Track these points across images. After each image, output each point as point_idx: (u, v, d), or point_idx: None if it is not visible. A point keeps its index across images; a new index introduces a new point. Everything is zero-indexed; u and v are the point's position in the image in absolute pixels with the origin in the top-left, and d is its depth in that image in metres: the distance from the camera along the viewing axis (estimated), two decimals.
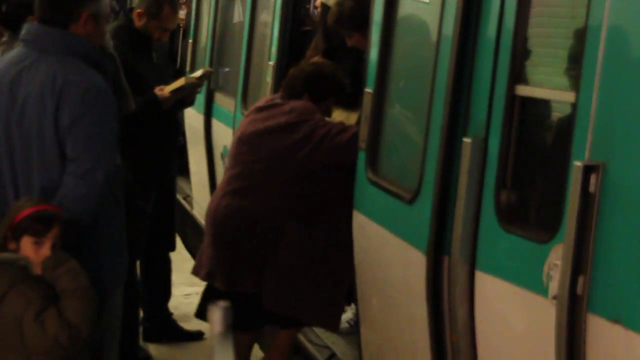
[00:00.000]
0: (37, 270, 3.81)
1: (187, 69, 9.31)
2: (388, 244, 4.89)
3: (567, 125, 3.52)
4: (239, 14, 8.60)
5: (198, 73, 6.90)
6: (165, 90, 6.41)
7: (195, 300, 7.82)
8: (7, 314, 3.71)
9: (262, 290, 5.49)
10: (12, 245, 3.85)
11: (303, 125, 5.46)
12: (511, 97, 3.85)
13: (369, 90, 5.21)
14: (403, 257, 4.68)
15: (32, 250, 3.84)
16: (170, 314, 7.86)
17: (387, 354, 5.24)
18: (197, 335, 7.77)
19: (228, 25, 9.24)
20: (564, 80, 3.69)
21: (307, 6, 7.38)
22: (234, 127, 7.98)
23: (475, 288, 4.06)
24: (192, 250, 9.51)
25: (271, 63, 7.16)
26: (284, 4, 7.01)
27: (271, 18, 7.24)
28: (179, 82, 6.61)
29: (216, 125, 8.75)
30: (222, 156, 8.47)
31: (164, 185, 6.92)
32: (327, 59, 6.29)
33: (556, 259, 3.27)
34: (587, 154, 3.16)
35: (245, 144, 5.68)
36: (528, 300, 3.59)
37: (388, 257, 4.94)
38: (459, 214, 4.08)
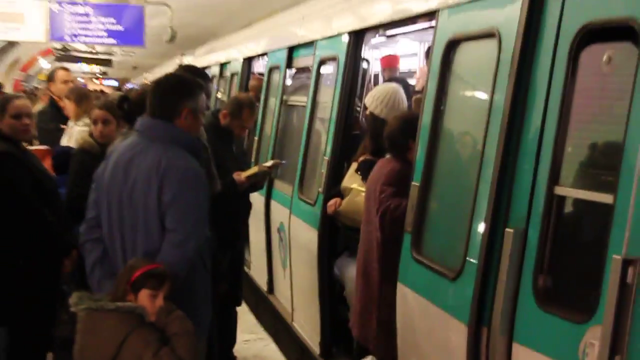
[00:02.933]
0: (152, 318, 3.91)
1: (252, 160, 9.42)
2: (430, 314, 4.77)
3: (602, 222, 3.40)
4: (298, 119, 8.68)
5: (269, 163, 7.11)
6: (242, 176, 6.50)
7: (253, 346, 8.56)
8: (129, 353, 3.79)
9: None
10: (130, 297, 3.95)
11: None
12: (550, 195, 3.81)
13: (415, 183, 5.17)
14: (445, 327, 4.58)
15: (149, 302, 3.94)
16: (235, 357, 7.79)
17: None
18: None
19: (287, 126, 9.25)
20: (602, 183, 3.65)
21: (357, 115, 7.40)
22: (290, 209, 8.05)
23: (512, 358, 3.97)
24: (248, 304, 9.62)
25: (326, 158, 7.09)
26: (339, 112, 6.96)
27: (327, 123, 7.24)
28: (253, 170, 6.77)
29: (274, 205, 8.71)
30: (279, 230, 8.58)
31: (236, 251, 6.91)
32: (374, 157, 6.21)
33: (592, 339, 3.24)
34: (624, 249, 3.12)
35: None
36: None
37: (430, 325, 4.83)
38: (500, 292, 4.03)
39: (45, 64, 33.20)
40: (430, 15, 5.47)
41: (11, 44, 22.68)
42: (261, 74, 11.19)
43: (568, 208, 3.91)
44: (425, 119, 5.18)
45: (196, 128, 4.58)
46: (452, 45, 4.96)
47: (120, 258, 4.32)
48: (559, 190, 3.81)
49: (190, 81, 4.58)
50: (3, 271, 5.68)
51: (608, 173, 3.57)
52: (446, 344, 4.61)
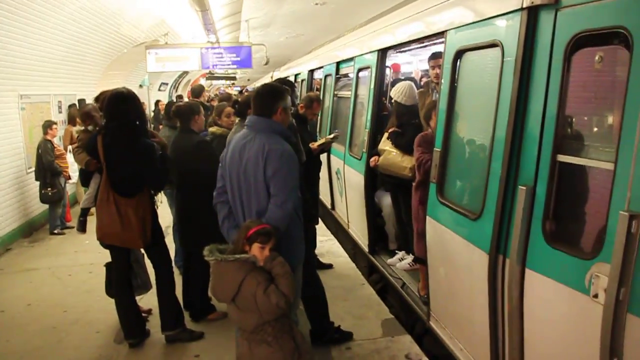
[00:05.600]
0: (261, 264, 3.21)
1: (317, 131, 8.48)
2: (455, 242, 3.81)
3: (600, 183, 2.62)
4: (345, 105, 7.78)
5: (331, 136, 6.04)
6: (314, 145, 5.60)
7: (326, 244, 7.41)
8: (246, 290, 3.15)
9: None
10: (246, 248, 3.26)
11: None
12: (554, 162, 2.84)
13: (437, 149, 4.19)
14: (468, 252, 3.61)
15: (259, 252, 3.24)
16: (316, 255, 6.41)
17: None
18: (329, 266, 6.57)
19: (338, 110, 8.38)
20: (601, 153, 2.66)
21: (386, 103, 6.50)
22: (344, 160, 7.32)
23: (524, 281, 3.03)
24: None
25: (367, 130, 6.27)
26: (374, 100, 6.15)
27: (366, 108, 6.43)
28: (322, 140, 5.78)
29: (333, 159, 7.99)
30: (336, 173, 7.86)
31: (316, 189, 6.05)
32: (398, 129, 5.50)
33: (597, 272, 2.46)
34: (626, 205, 2.33)
35: None
36: (569, 295, 2.65)
37: (454, 249, 3.86)
38: (515, 234, 3.03)
39: (203, 82, 34.65)
40: (440, 34, 4.33)
41: (185, 72, 23.79)
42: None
43: (569, 171, 2.80)
44: (442, 102, 4.14)
45: (287, 120, 3.76)
46: (460, 54, 3.90)
47: (241, 214, 3.57)
48: (561, 158, 2.79)
49: (281, 88, 3.77)
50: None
51: (606, 146, 2.60)
52: (469, 265, 3.61)
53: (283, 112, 3.60)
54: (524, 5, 3.02)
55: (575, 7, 2.75)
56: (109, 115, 4.41)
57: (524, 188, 2.94)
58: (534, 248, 2.93)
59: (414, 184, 4.63)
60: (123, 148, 4.32)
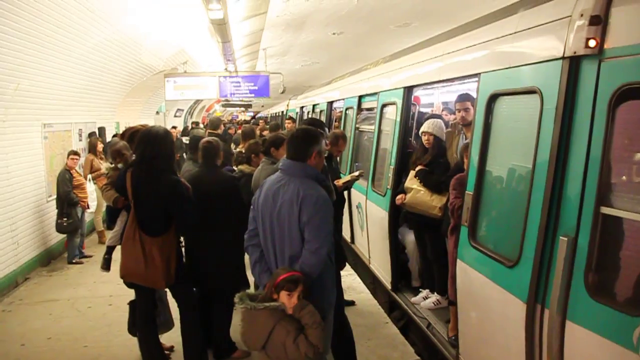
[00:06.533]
0: (289, 312, 3.20)
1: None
2: (488, 288, 3.73)
3: None
4: (369, 140, 7.65)
5: (356, 173, 5.96)
6: (339, 182, 5.58)
7: (347, 279, 7.25)
8: (276, 339, 3.14)
9: None
10: (275, 296, 3.25)
11: None
12: (597, 213, 2.78)
13: (469, 192, 4.14)
14: (503, 300, 3.53)
15: (287, 300, 3.22)
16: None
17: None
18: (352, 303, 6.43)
19: (360, 142, 8.36)
20: None
21: (410, 139, 6.43)
22: (366, 195, 7.22)
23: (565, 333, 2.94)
24: None
25: (392, 167, 6.20)
26: (399, 136, 6.11)
27: (390, 143, 6.38)
28: (347, 178, 5.77)
29: (354, 192, 7.86)
30: (357, 207, 7.77)
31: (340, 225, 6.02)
32: (426, 167, 5.48)
33: None
34: None
35: None
36: (614, 351, 2.56)
37: (486, 295, 3.78)
38: (556, 285, 2.96)
39: (218, 107, 35.11)
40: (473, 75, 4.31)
41: (201, 99, 23.88)
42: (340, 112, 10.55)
43: (613, 223, 2.74)
44: (475, 145, 4.10)
45: (321, 164, 3.73)
46: (494, 97, 3.88)
47: (273, 258, 3.53)
48: (605, 210, 2.73)
49: (315, 132, 3.72)
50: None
51: None
52: (504, 312, 3.51)
53: (317, 156, 3.58)
54: (566, 55, 3.00)
55: (620, 59, 2.72)
56: (140, 153, 4.41)
57: (565, 239, 2.88)
58: (576, 300, 2.86)
59: (450, 227, 4.54)
60: (151, 184, 4.32)
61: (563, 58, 3.03)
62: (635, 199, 2.65)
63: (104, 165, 7.77)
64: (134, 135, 4.92)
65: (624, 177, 2.79)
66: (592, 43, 2.84)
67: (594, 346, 2.72)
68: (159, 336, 4.83)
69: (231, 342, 5.05)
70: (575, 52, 2.93)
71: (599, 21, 2.83)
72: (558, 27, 3.11)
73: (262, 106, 41.55)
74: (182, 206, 4.36)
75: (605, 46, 2.81)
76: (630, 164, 2.77)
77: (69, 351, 5.36)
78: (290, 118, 13.97)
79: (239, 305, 3.21)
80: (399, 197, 5.65)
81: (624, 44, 2.71)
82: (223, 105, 27.63)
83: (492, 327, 3.76)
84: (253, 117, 42.39)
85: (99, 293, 7.01)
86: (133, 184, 4.36)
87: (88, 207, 8.79)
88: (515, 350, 3.36)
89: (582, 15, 2.91)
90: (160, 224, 4.37)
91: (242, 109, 37.77)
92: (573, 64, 2.99)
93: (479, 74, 4.09)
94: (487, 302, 3.78)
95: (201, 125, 19.53)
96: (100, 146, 9.64)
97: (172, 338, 5.10)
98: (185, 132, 17.42)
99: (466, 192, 4.15)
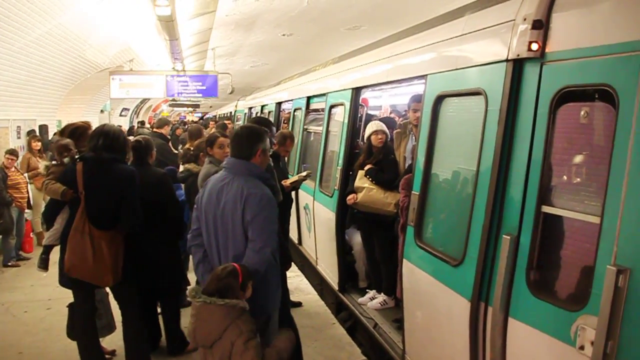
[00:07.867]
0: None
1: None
2: (433, 286, 3.77)
3: (585, 234, 2.59)
4: (317, 141, 7.69)
5: (304, 174, 5.93)
6: (287, 182, 5.57)
7: (294, 280, 7.24)
8: (227, 337, 3.00)
9: None
10: (241, 294, 3.15)
11: None
12: (538, 212, 2.85)
13: (415, 192, 4.18)
14: (448, 298, 3.58)
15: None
16: None
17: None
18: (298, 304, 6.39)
19: (308, 143, 8.38)
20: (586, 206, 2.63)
21: (357, 140, 6.45)
22: (313, 196, 7.17)
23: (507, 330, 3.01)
24: None
25: (339, 167, 6.23)
26: (347, 138, 6.14)
27: (338, 144, 6.40)
28: (294, 178, 5.75)
29: (301, 193, 7.77)
30: (304, 208, 7.73)
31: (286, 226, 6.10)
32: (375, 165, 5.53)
33: (583, 324, 2.46)
34: (613, 259, 2.34)
35: None
36: (553, 345, 2.63)
37: (432, 293, 3.83)
38: (499, 283, 3.01)
39: (165, 107, 34.52)
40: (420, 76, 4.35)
41: (147, 98, 23.22)
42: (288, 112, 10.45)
43: (554, 222, 2.81)
44: (421, 145, 4.15)
45: (266, 162, 3.67)
46: (440, 98, 3.93)
47: (216, 258, 3.47)
48: (546, 209, 2.80)
49: (260, 130, 3.66)
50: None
51: (592, 200, 2.59)
52: (448, 310, 3.56)
53: (262, 155, 3.52)
54: (510, 57, 3.07)
55: (561, 62, 2.80)
56: (94, 145, 4.25)
57: (508, 238, 2.94)
58: (518, 297, 2.92)
59: (399, 225, 4.58)
60: (106, 175, 4.19)
61: (507, 60, 3.10)
62: (575, 199, 2.71)
63: (42, 164, 7.44)
64: (74, 132, 4.73)
65: (564, 177, 2.87)
66: (534, 46, 2.91)
67: (535, 342, 2.78)
68: (100, 340, 4.65)
69: (184, 337, 4.95)
70: (518, 55, 2.99)
71: (541, 25, 2.90)
72: (502, 31, 3.18)
73: (211, 107, 41.04)
74: (132, 200, 4.22)
75: (547, 50, 2.88)
76: (570, 164, 2.83)
77: (1, 359, 5.10)
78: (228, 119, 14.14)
79: (196, 299, 3.08)
80: (350, 196, 5.61)
81: (565, 47, 2.78)
82: (170, 105, 27.19)
83: (438, 326, 3.80)
84: (201, 118, 41.86)
85: (37, 296, 6.68)
86: (85, 175, 4.20)
87: (28, 208, 8.42)
88: (460, 348, 3.41)
89: (525, 19, 2.98)
90: (110, 217, 4.21)
91: (190, 109, 37.27)
92: (516, 66, 3.05)
93: (426, 75, 4.14)
94: (433, 301, 3.82)
95: (147, 125, 19.06)
96: (37, 144, 9.24)
97: (114, 342, 4.92)
98: (130, 132, 17.01)
99: (412, 192, 4.19)
